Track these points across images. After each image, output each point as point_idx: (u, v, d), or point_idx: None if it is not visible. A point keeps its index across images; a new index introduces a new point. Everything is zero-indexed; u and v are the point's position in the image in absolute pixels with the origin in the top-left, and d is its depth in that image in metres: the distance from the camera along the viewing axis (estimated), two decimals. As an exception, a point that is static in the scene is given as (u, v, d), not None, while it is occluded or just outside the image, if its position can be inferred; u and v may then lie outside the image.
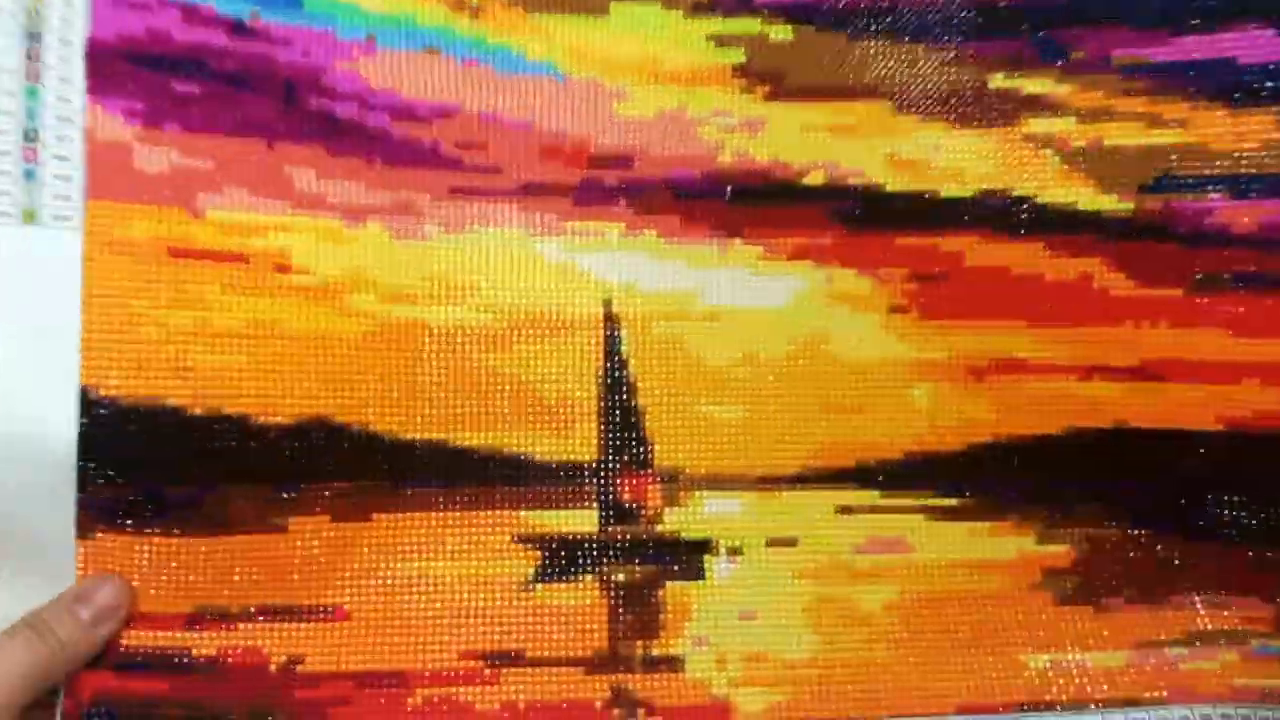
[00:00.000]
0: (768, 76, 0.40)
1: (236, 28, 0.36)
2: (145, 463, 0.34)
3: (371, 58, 0.37)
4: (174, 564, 0.34)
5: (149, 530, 0.34)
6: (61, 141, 0.34)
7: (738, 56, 0.40)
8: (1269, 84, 0.39)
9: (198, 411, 0.34)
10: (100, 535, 0.34)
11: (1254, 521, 0.37)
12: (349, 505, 0.36)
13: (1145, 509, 0.38)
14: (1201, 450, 0.38)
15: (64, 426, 0.33)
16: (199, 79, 0.35)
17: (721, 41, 0.40)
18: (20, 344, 0.34)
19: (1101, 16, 0.40)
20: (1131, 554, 0.38)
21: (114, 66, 0.34)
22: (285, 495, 0.35)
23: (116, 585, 0.33)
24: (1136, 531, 0.38)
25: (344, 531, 0.36)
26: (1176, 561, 0.38)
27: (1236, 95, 0.39)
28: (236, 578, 0.35)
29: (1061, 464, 0.39)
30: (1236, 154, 0.39)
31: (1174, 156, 0.39)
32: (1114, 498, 0.38)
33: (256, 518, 0.35)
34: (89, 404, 0.34)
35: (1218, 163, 0.39)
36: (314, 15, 0.36)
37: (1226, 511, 0.38)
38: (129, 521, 0.33)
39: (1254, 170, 0.39)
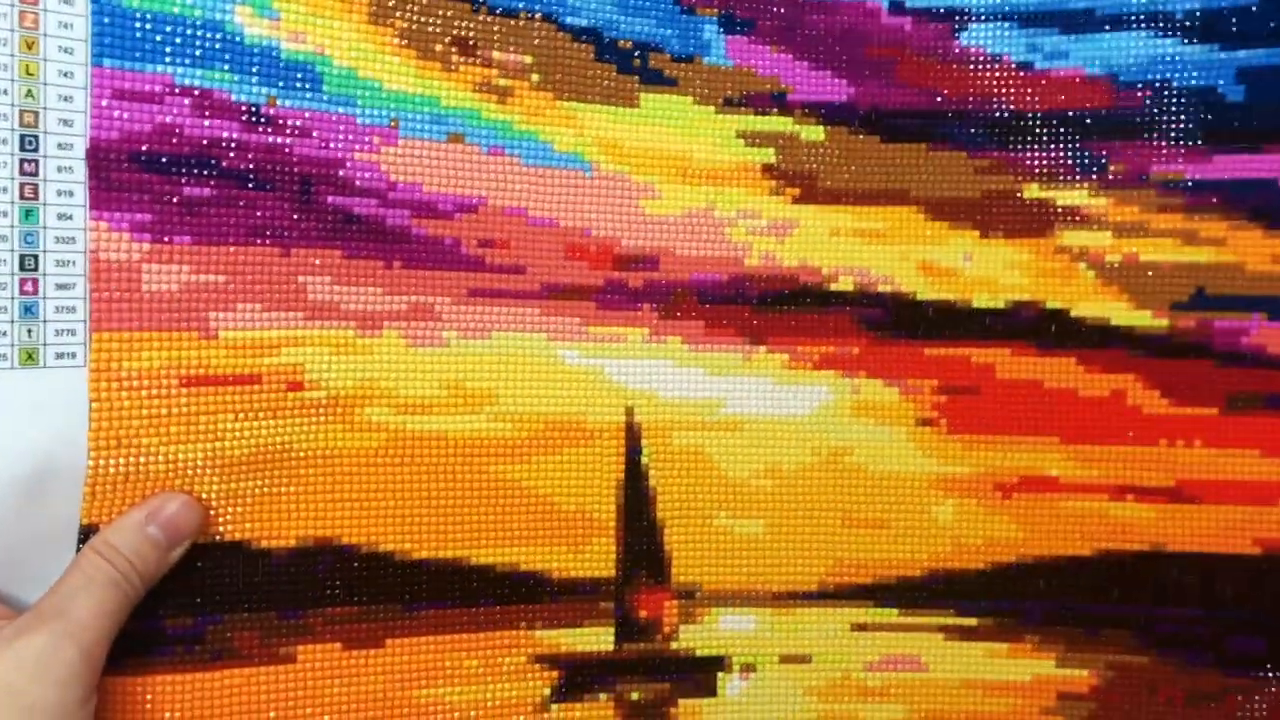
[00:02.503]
0: (798, 178, 0.38)
1: (252, 115, 0.32)
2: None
3: (393, 146, 0.34)
4: (176, 702, 0.32)
5: (148, 667, 0.31)
6: (63, 268, 0.30)
7: (768, 156, 0.38)
8: None
9: (198, 539, 0.32)
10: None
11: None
12: (360, 631, 0.34)
13: (1178, 637, 0.37)
14: (1237, 575, 0.37)
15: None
16: (211, 179, 0.32)
17: (752, 140, 0.38)
18: (19, 490, 0.31)
19: (1143, 130, 0.39)
20: (1159, 684, 0.37)
21: (119, 173, 0.31)
22: (291, 622, 0.33)
23: (187, 502, 0.31)
24: (1166, 660, 0.37)
25: (356, 659, 0.34)
26: (1208, 695, 0.37)
27: (1275, 217, 0.38)
28: (245, 714, 0.32)
29: (1090, 587, 0.38)
30: (1274, 275, 0.38)
31: (1209, 274, 0.38)
32: (1145, 624, 0.37)
33: (263, 648, 0.33)
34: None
35: (1255, 283, 0.38)
36: (334, 98, 0.33)
37: (1265, 640, 0.37)
38: (127, 659, 0.31)
39: None
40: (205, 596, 0.32)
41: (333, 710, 0.33)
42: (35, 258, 0.30)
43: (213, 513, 0.32)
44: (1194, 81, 0.39)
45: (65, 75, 0.31)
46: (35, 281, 0.30)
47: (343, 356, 0.34)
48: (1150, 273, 0.39)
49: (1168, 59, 0.39)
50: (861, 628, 0.38)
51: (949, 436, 0.39)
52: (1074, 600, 0.38)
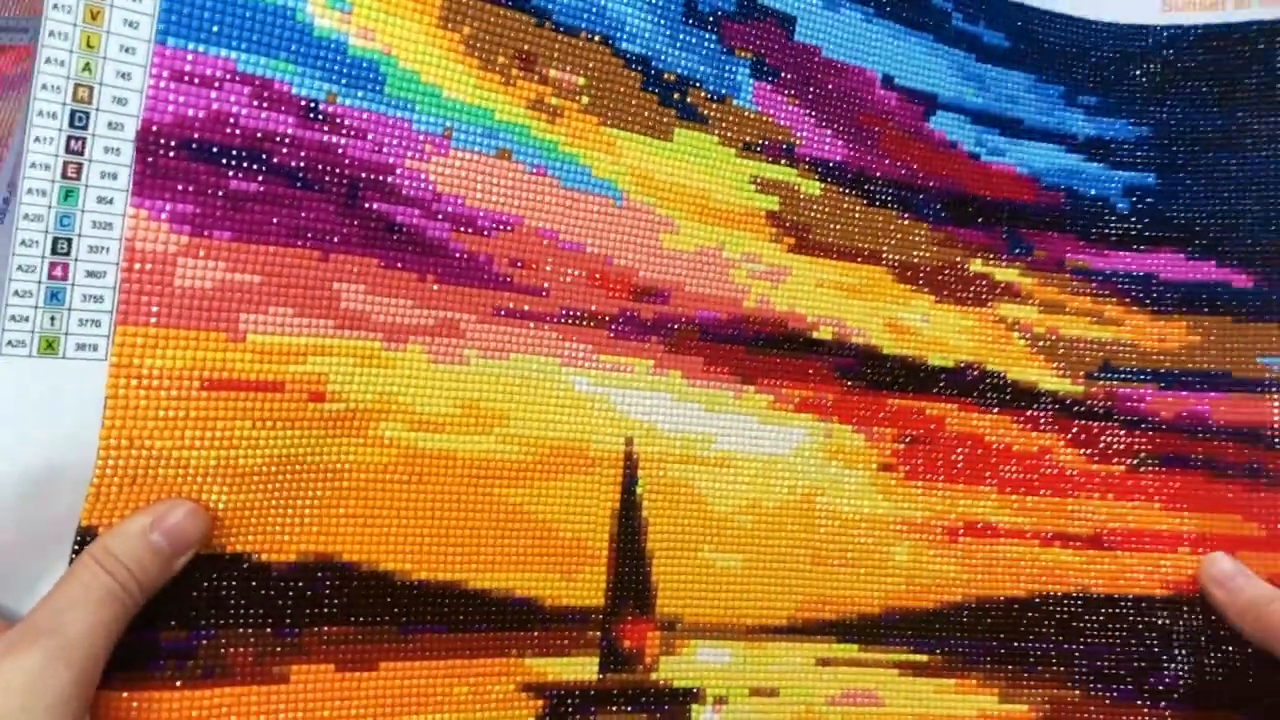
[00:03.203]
0: (795, 228, 0.41)
1: (309, 111, 0.31)
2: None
3: (444, 157, 0.34)
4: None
5: (137, 682, 0.29)
6: (96, 254, 0.29)
7: (772, 203, 0.41)
8: (1181, 298, 0.45)
9: (199, 549, 0.30)
10: None
11: (1196, 683, 0.42)
12: (355, 652, 0.32)
13: (1106, 672, 0.42)
14: (1151, 615, 0.42)
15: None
16: (260, 174, 0.30)
17: (761, 186, 0.40)
18: (26, 484, 0.28)
19: (1059, 224, 0.45)
20: (1093, 717, 0.41)
21: (167, 159, 0.29)
22: (287, 641, 0.31)
23: (193, 510, 0.29)
24: (1097, 695, 0.41)
25: (349, 682, 0.32)
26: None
27: (1157, 303, 0.45)
28: None
29: (1028, 626, 0.42)
30: (1159, 352, 0.45)
31: (1113, 350, 0.44)
32: (1076, 661, 0.42)
33: (256, 666, 0.30)
34: (85, 545, 0.28)
35: (1146, 359, 0.45)
36: (394, 100, 0.33)
37: (1178, 674, 0.42)
38: (116, 672, 0.28)
39: (1173, 367, 0.45)
40: (201, 609, 0.30)
41: None
42: (69, 241, 0.28)
43: (216, 523, 0.30)
44: (1092, 191, 0.46)
45: (126, 51, 0.29)
46: (65, 266, 0.28)
47: (367, 369, 0.33)
48: (1069, 345, 0.44)
49: (1073, 171, 0.46)
50: (825, 663, 0.40)
51: (905, 482, 0.42)
52: (1013, 638, 0.42)
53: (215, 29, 0.30)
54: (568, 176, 0.36)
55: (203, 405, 0.30)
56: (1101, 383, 0.44)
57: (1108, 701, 0.41)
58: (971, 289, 0.44)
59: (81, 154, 0.28)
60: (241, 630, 0.30)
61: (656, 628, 0.38)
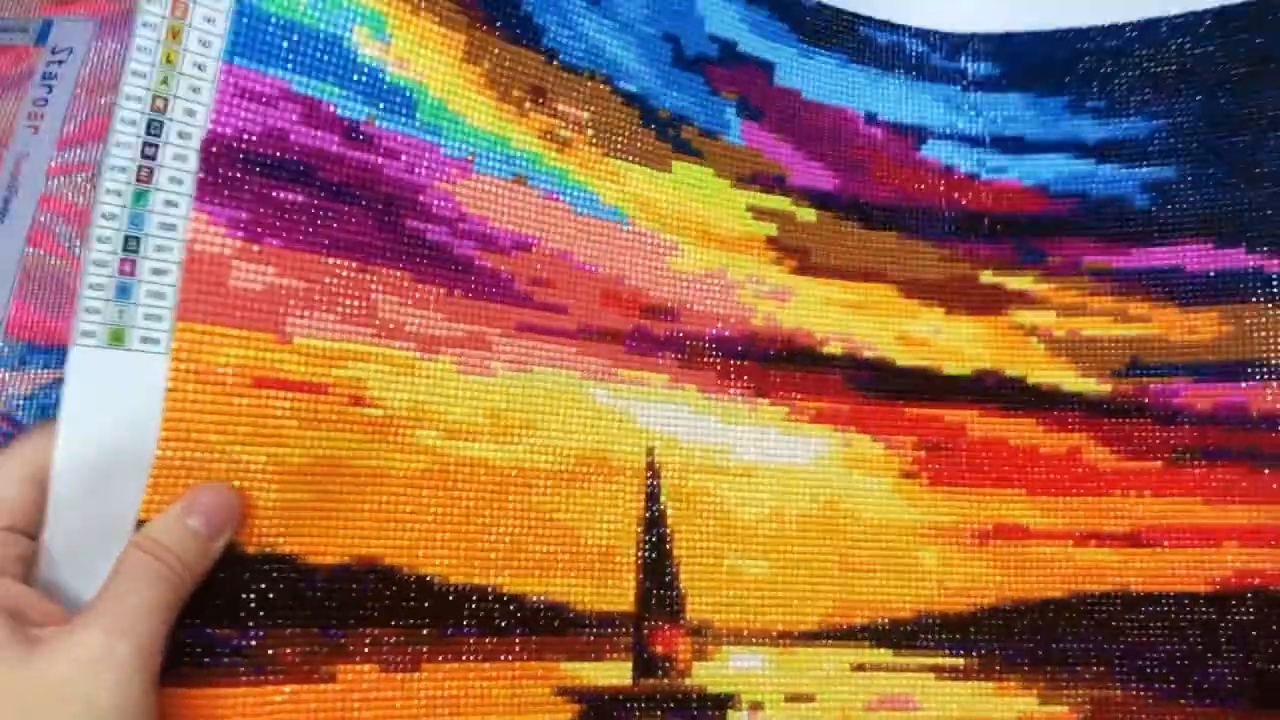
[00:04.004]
0: (795, 251, 0.44)
1: (351, 132, 0.35)
2: (195, 603, 0.31)
3: (468, 180, 0.37)
4: (220, 716, 0.31)
5: (192, 679, 0.31)
6: (161, 252, 0.31)
7: (771, 229, 0.43)
8: (1210, 287, 0.45)
9: (249, 550, 0.32)
10: None
11: (1246, 680, 0.40)
12: (398, 654, 0.34)
13: (1148, 671, 0.41)
14: (1195, 612, 0.41)
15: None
16: (307, 187, 0.34)
17: (758, 214, 0.43)
18: (89, 477, 0.30)
19: (1073, 230, 0.46)
20: (1135, 716, 0.40)
21: (226, 169, 0.32)
22: (334, 641, 0.33)
23: (223, 491, 0.31)
24: (1140, 695, 0.40)
25: (392, 684, 0.34)
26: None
27: (1186, 296, 0.45)
28: None
29: (1065, 626, 0.41)
30: (1191, 345, 0.45)
31: (1141, 346, 0.45)
32: (1117, 660, 0.41)
33: (305, 665, 0.33)
34: None
35: (1178, 352, 0.45)
36: (425, 125, 0.36)
37: (1225, 671, 0.41)
38: (171, 669, 0.30)
39: (1208, 358, 0.44)
40: (251, 610, 0.32)
41: None
42: (138, 240, 0.31)
43: (267, 522, 0.33)
44: (1108, 192, 0.46)
45: (199, 67, 0.32)
46: (133, 263, 0.31)
47: (403, 376, 0.36)
48: (1091, 345, 0.45)
49: (1084, 175, 0.47)
50: (860, 668, 0.40)
51: (929, 488, 0.43)
52: (1051, 639, 0.41)
53: (273, 51, 0.33)
54: (579, 203, 0.40)
55: (254, 402, 0.32)
56: (1130, 379, 0.44)
57: (1150, 701, 0.40)
58: (983, 299, 0.45)
59: (154, 159, 0.31)
60: (290, 630, 0.33)
61: (687, 633, 0.39)
